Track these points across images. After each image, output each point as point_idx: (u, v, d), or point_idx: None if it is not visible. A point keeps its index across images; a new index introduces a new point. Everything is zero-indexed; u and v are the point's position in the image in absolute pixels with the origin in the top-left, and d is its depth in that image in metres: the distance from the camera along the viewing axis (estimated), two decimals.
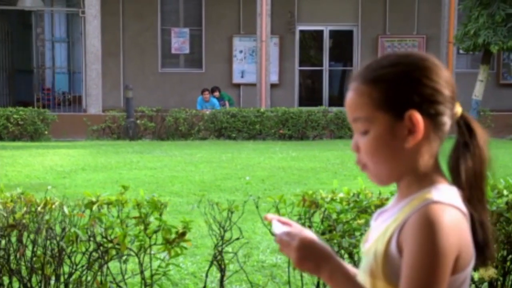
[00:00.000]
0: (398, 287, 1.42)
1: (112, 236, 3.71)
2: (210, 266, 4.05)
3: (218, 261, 3.97)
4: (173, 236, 3.74)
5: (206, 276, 4.12)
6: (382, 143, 1.48)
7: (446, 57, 18.28)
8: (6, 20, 22.15)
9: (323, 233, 3.77)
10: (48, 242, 3.79)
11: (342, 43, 22.22)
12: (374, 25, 21.40)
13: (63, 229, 3.78)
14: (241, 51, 21.44)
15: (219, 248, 3.95)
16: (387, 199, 3.64)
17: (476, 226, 1.50)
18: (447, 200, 1.43)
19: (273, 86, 20.00)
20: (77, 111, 19.58)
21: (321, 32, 21.82)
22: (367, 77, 1.51)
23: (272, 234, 1.62)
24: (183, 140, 16.28)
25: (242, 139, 16.33)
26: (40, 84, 23.89)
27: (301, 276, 4.03)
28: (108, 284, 3.81)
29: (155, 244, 3.79)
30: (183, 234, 3.75)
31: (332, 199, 3.85)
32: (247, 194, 7.96)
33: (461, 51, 18.78)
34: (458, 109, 1.52)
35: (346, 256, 3.72)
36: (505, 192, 3.71)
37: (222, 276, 4.01)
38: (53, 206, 3.79)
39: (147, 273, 3.87)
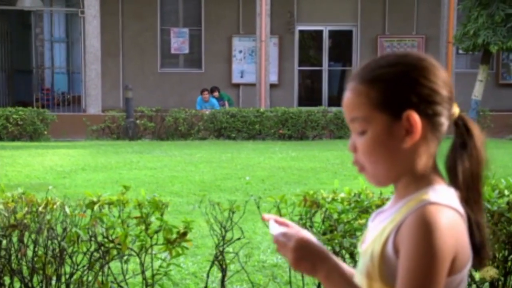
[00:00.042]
0: None
1: (113, 236, 3.71)
2: (212, 266, 4.05)
3: (219, 261, 3.97)
4: (174, 236, 3.74)
5: (207, 276, 4.12)
6: (380, 143, 1.47)
7: (445, 57, 18.28)
8: (5, 20, 22.14)
9: (324, 233, 3.77)
10: (49, 242, 3.80)
11: (342, 43, 22.22)
12: (373, 25, 21.41)
13: (64, 229, 3.78)
14: (240, 51, 21.44)
15: (220, 248, 3.95)
16: (388, 199, 3.64)
17: (473, 227, 1.50)
18: (444, 201, 1.43)
19: (272, 86, 19.99)
20: (76, 111, 19.57)
21: (320, 32, 21.83)
22: (365, 77, 1.50)
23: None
24: (183, 140, 16.28)
25: (242, 139, 16.33)
26: (39, 84, 23.87)
27: (302, 276, 4.03)
28: (109, 284, 3.81)
29: (156, 244, 3.79)
30: (184, 234, 3.75)
31: (333, 199, 3.85)
32: (247, 194, 7.97)
33: (460, 51, 18.79)
34: (456, 110, 1.52)
35: (347, 256, 3.72)
36: (506, 192, 3.71)
37: (223, 276, 4.01)
38: (54, 206, 3.80)
39: (148, 273, 3.87)
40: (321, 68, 21.85)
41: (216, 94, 18.76)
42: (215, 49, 21.29)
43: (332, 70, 21.94)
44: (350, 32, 21.74)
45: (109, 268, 3.83)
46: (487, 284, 3.84)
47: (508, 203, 3.66)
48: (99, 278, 3.81)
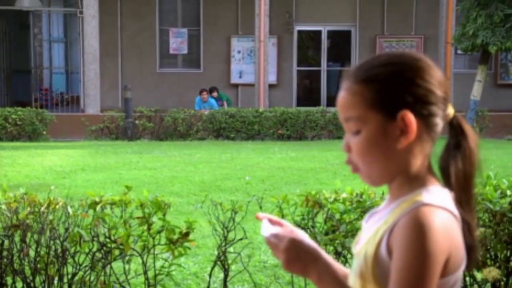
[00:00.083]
0: None
1: (116, 236, 3.72)
2: (214, 266, 4.05)
3: (221, 261, 3.98)
4: (176, 236, 3.74)
5: (210, 276, 4.13)
6: (374, 143, 1.47)
7: (444, 57, 18.29)
8: (3, 20, 22.13)
9: (326, 233, 3.78)
10: (52, 242, 3.80)
11: (340, 43, 22.23)
12: (372, 25, 21.42)
13: (67, 229, 3.78)
14: (239, 52, 21.44)
15: (223, 249, 3.95)
16: None
17: (464, 229, 1.49)
18: (438, 202, 1.42)
19: (271, 86, 19.99)
20: (75, 111, 19.56)
21: (319, 32, 21.83)
22: (360, 76, 1.49)
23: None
24: (182, 141, 16.27)
25: (241, 139, 16.33)
26: (37, 84, 23.85)
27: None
28: (111, 284, 3.81)
29: (158, 244, 3.79)
30: (187, 234, 3.75)
31: (335, 199, 3.86)
32: (247, 194, 7.98)
33: (459, 52, 18.80)
34: (451, 110, 1.51)
35: (349, 256, 3.72)
36: (508, 192, 3.72)
37: (226, 276, 4.01)
38: (57, 207, 3.80)
39: (150, 273, 3.87)
40: (319, 68, 21.85)
41: (215, 94, 18.76)
42: (214, 50, 21.29)
43: (331, 71, 21.94)
44: (349, 32, 21.75)
45: (111, 268, 3.83)
46: (489, 284, 3.84)
47: (510, 203, 3.66)
48: (101, 278, 3.81)
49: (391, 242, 1.42)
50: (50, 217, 3.79)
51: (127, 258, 3.81)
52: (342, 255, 3.77)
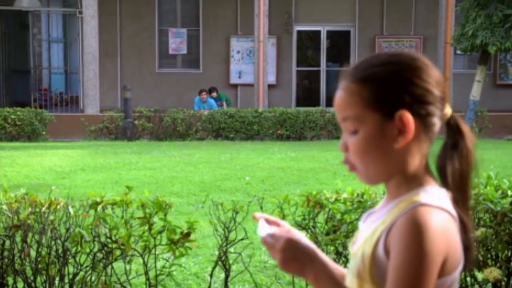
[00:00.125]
0: None
1: (117, 237, 3.72)
2: (215, 266, 4.05)
3: (222, 261, 3.98)
4: (177, 236, 3.74)
5: (211, 276, 4.13)
6: (372, 143, 1.46)
7: (443, 57, 18.29)
8: (2, 20, 22.12)
9: (327, 234, 3.78)
10: (53, 242, 3.80)
11: (340, 44, 22.24)
12: (371, 26, 21.42)
13: (68, 230, 3.78)
14: (238, 52, 21.44)
15: (224, 249, 3.95)
16: None
17: (461, 229, 1.48)
18: (435, 202, 1.42)
19: (270, 86, 19.99)
20: (74, 111, 19.55)
21: (318, 32, 21.84)
22: (357, 76, 1.49)
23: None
24: (181, 141, 16.27)
25: (240, 140, 16.33)
26: (37, 84, 23.83)
27: None
28: (112, 285, 3.81)
29: (159, 244, 3.79)
30: (188, 234, 3.75)
31: (336, 200, 3.86)
32: (247, 195, 7.98)
33: (458, 52, 18.81)
34: (448, 110, 1.51)
35: (350, 256, 3.72)
36: (509, 193, 3.72)
37: (227, 277, 4.02)
38: (58, 207, 3.80)
39: (151, 274, 3.87)
40: (319, 69, 21.86)
41: (214, 94, 18.76)
42: (213, 50, 21.29)
43: (330, 71, 21.93)
44: (348, 32, 21.76)
45: (112, 268, 3.83)
46: (490, 284, 3.84)
47: (511, 203, 3.66)
48: (102, 278, 3.81)
49: (389, 242, 1.42)
50: (51, 217, 3.79)
51: (128, 258, 3.81)
52: (343, 255, 3.77)
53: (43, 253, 3.81)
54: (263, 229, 1.58)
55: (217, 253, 4.10)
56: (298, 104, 21.02)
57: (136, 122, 16.63)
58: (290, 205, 3.87)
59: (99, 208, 3.74)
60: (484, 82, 17.01)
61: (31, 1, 20.63)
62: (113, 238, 3.72)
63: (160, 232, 3.76)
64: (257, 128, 16.66)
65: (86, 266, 3.82)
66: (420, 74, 1.46)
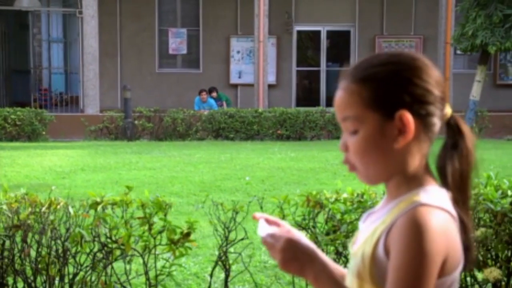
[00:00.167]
0: None
1: (117, 237, 3.72)
2: (215, 266, 4.05)
3: (222, 261, 3.98)
4: (177, 236, 3.74)
5: (211, 276, 4.13)
6: (372, 143, 1.46)
7: (443, 57, 18.29)
8: (2, 20, 22.12)
9: (327, 234, 3.78)
10: (53, 242, 3.80)
11: (340, 44, 22.23)
12: (371, 26, 21.42)
13: (68, 230, 3.78)
14: (238, 52, 21.44)
15: (224, 249, 3.95)
16: None
17: (460, 229, 1.48)
18: (435, 202, 1.42)
19: (270, 86, 19.99)
20: (74, 111, 19.55)
21: (318, 32, 21.84)
22: (357, 76, 1.49)
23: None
24: (181, 141, 16.27)
25: (240, 140, 16.33)
26: (37, 84, 23.83)
27: None
28: (112, 285, 3.81)
29: (159, 244, 3.79)
30: (188, 234, 3.75)
31: (336, 200, 3.86)
32: (247, 195, 7.98)
33: (458, 52, 18.81)
34: (448, 110, 1.51)
35: (350, 256, 3.72)
36: (509, 193, 3.72)
37: (227, 277, 4.02)
38: (58, 207, 3.80)
39: (151, 274, 3.87)
40: (319, 69, 21.86)
41: (214, 94, 18.77)
42: (213, 50, 21.29)
43: (330, 71, 21.93)
44: (348, 32, 21.76)
45: (112, 268, 3.83)
46: (490, 285, 3.84)
47: (511, 203, 3.66)
48: (102, 278, 3.81)
49: (389, 242, 1.42)
50: (51, 217, 3.79)
51: (128, 258, 3.81)
52: (343, 255, 3.77)
53: (43, 253, 3.81)
54: (263, 229, 1.58)
55: (217, 253, 4.10)
56: (298, 104, 21.02)
57: (136, 122, 16.63)
58: (290, 205, 3.87)
59: (99, 208, 3.74)
60: (484, 82, 17.01)
61: (31, 1, 20.63)
62: (113, 238, 3.72)
63: (160, 232, 3.76)
64: (257, 128, 16.66)
65: (86, 266, 3.82)
66: (420, 74, 1.46)
